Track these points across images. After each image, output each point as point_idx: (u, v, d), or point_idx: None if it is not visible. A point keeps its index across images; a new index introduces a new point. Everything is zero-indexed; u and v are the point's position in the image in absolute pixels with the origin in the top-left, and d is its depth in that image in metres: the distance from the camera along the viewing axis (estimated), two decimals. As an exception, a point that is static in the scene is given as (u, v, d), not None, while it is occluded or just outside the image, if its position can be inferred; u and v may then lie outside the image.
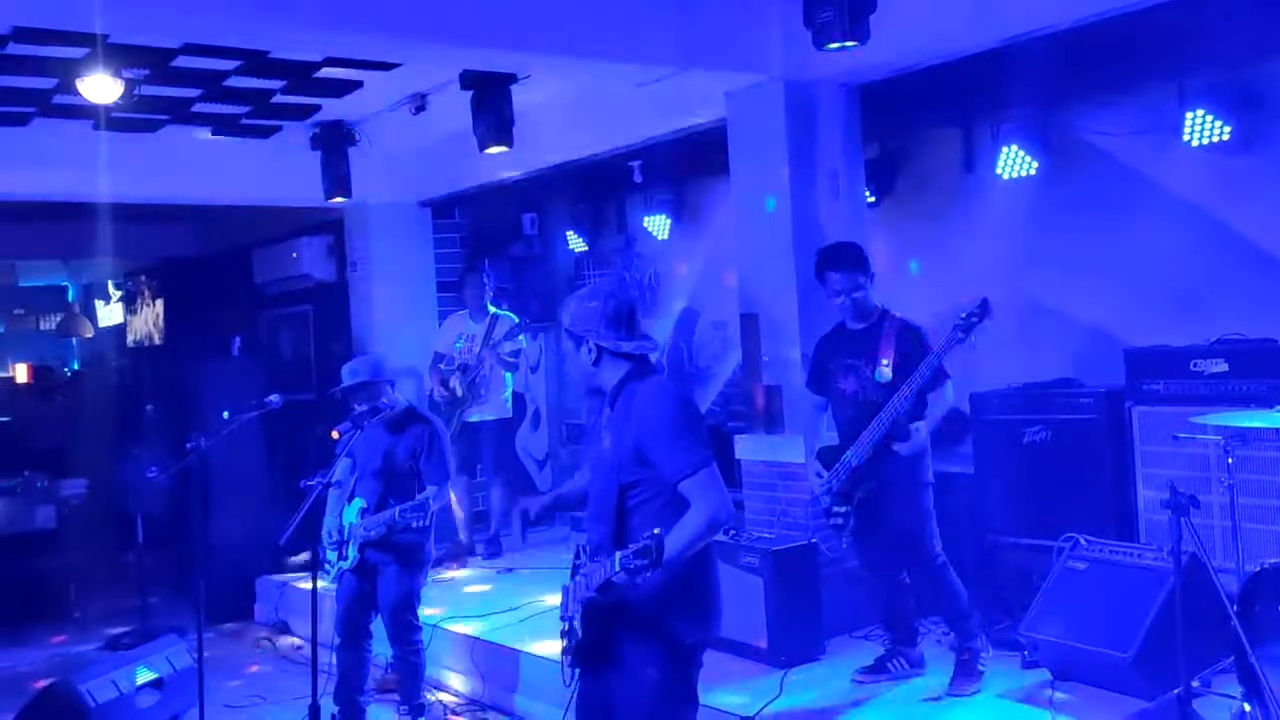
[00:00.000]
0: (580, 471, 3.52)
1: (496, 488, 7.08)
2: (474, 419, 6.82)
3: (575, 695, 3.09)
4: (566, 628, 3.02)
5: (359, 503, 4.66)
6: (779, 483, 5.18)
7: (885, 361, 4.15)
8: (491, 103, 5.60)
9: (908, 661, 4.40)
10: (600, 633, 2.93)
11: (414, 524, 4.45)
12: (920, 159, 6.11)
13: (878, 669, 4.37)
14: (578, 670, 3.03)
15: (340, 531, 4.63)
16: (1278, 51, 4.65)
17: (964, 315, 3.99)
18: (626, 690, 2.95)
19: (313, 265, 8.50)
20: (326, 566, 4.75)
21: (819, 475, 4.32)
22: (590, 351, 3.04)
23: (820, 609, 4.74)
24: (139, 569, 6.80)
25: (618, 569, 2.72)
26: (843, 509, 4.26)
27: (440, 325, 7.40)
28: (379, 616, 4.72)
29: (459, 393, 6.75)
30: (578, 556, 3.09)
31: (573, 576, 3.08)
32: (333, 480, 4.09)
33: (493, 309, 7.00)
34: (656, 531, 2.68)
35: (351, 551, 4.60)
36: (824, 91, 5.18)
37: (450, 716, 5.00)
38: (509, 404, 7.05)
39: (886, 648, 4.46)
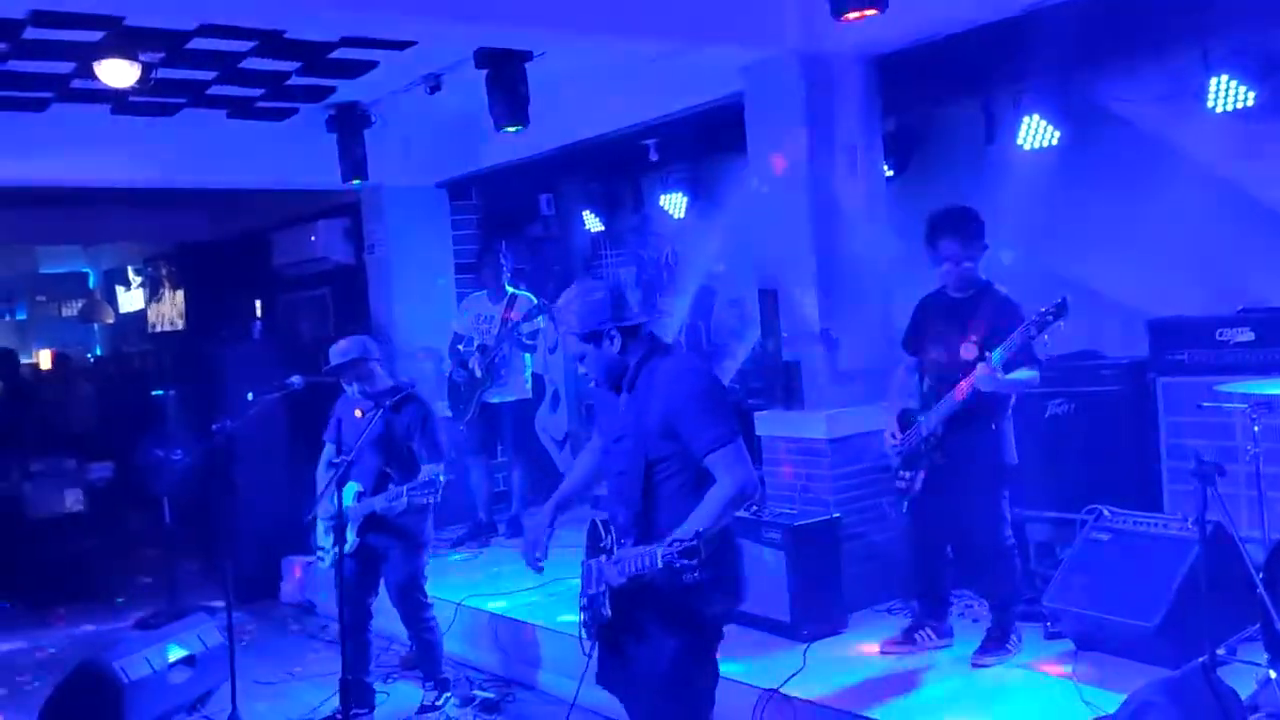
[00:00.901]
0: (571, 470, 3.57)
1: (517, 468, 7.10)
2: (494, 400, 6.83)
3: (594, 666, 3.14)
4: (586, 602, 3.09)
5: (355, 486, 4.64)
6: (799, 458, 5.17)
7: (974, 338, 4.13)
8: (506, 81, 5.57)
9: (936, 633, 4.41)
10: (627, 609, 2.98)
11: (425, 501, 4.45)
12: (939, 131, 6.05)
13: (906, 640, 4.39)
14: (596, 643, 3.07)
15: (337, 516, 4.63)
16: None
17: (1041, 311, 3.91)
18: (648, 662, 2.99)
19: (330, 248, 8.53)
20: (320, 553, 4.78)
21: (893, 436, 4.34)
22: (613, 340, 3.05)
23: (842, 583, 4.75)
24: (166, 550, 6.88)
25: (660, 564, 2.74)
26: (909, 473, 4.29)
27: (459, 306, 7.41)
28: (376, 598, 4.74)
29: (478, 374, 6.77)
30: (597, 534, 3.13)
31: (592, 555, 3.13)
32: (353, 459, 4.11)
33: (510, 289, 7.00)
34: (700, 530, 2.71)
35: (351, 535, 4.60)
36: (841, 64, 5.14)
37: (475, 692, 5.04)
38: (529, 385, 7.06)
39: (914, 619, 4.46)
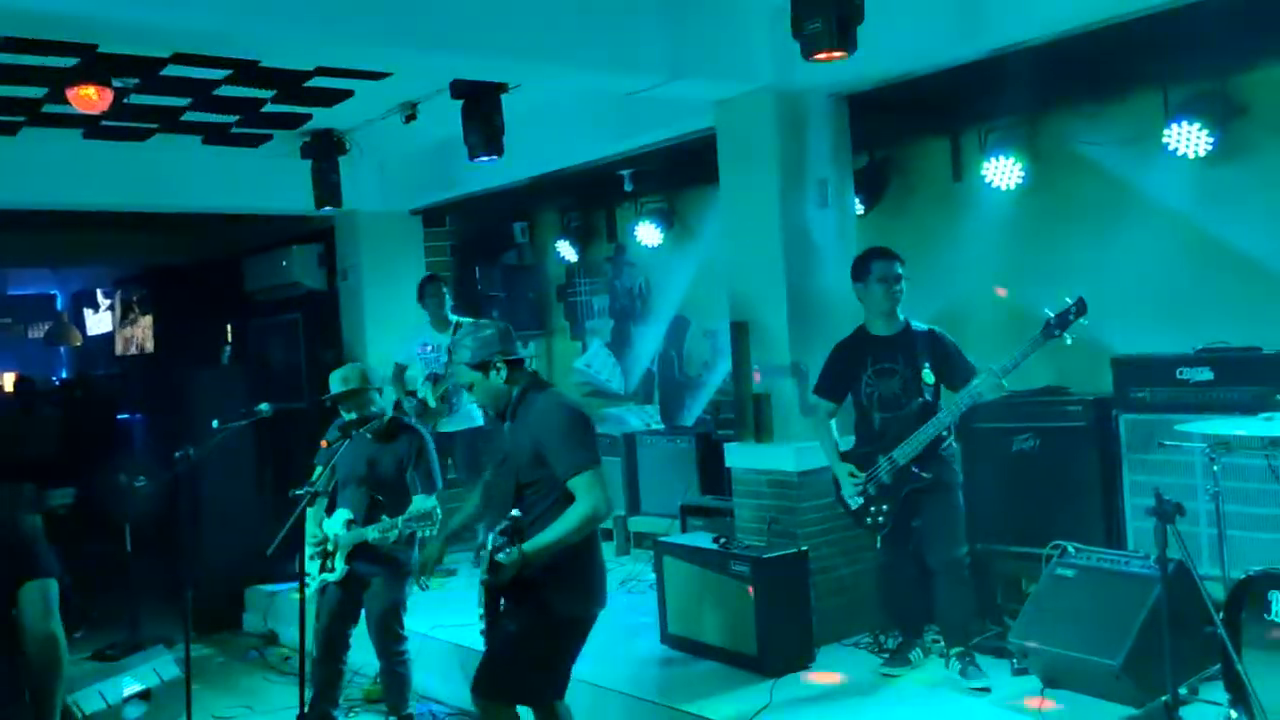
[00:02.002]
0: (465, 504, 4.06)
1: (473, 496, 6.96)
2: (448, 429, 6.76)
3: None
4: (482, 613, 3.48)
5: (344, 513, 4.63)
6: (767, 491, 5.18)
7: (928, 365, 4.31)
8: (482, 112, 5.61)
9: (923, 651, 4.50)
10: (495, 607, 3.40)
11: (421, 534, 4.44)
12: (909, 168, 6.14)
13: (899, 660, 4.47)
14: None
15: (324, 542, 4.61)
16: (1260, 62, 4.69)
17: (1059, 312, 4.02)
18: (498, 644, 3.42)
19: (303, 273, 8.49)
20: (307, 579, 4.73)
21: (853, 476, 4.40)
22: (499, 371, 3.51)
23: (810, 617, 4.75)
24: (127, 579, 6.77)
25: (490, 546, 3.24)
26: (884, 508, 4.36)
27: (402, 337, 7.21)
28: (355, 628, 4.71)
29: (432, 403, 6.69)
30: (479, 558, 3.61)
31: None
32: (318, 490, 4.08)
33: (454, 318, 6.88)
34: (515, 513, 3.25)
35: (339, 563, 4.59)
36: (813, 101, 5.20)
37: (440, 726, 4.98)
38: (478, 413, 6.96)
39: (903, 638, 4.55)
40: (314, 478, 4.33)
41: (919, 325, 4.50)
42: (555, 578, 3.36)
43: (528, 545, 3.27)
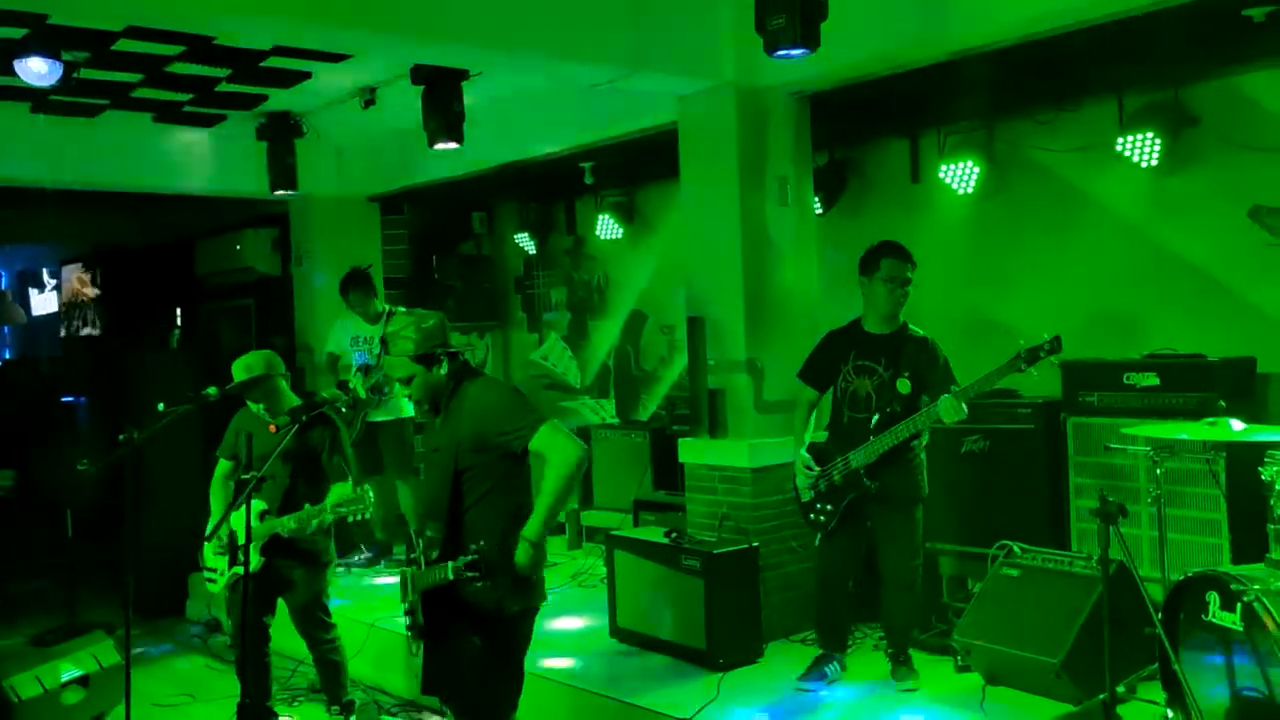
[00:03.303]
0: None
1: (404, 486, 6.89)
2: (378, 419, 6.66)
3: (422, 664, 3.51)
4: (408, 608, 3.48)
5: (259, 504, 4.49)
6: (720, 486, 5.19)
7: (908, 373, 4.20)
8: (442, 98, 5.56)
9: (841, 665, 4.44)
10: (438, 614, 3.38)
11: (353, 518, 4.36)
12: (868, 169, 6.18)
13: (817, 675, 4.38)
14: (422, 644, 3.47)
15: (232, 535, 4.49)
16: (1211, 74, 4.78)
17: (1032, 346, 3.92)
18: (456, 656, 3.37)
19: (256, 258, 8.37)
20: (210, 574, 4.63)
21: (809, 469, 4.35)
22: (441, 364, 3.43)
23: (759, 612, 4.77)
24: (67, 563, 6.63)
25: (450, 577, 3.22)
26: (828, 507, 4.31)
27: (334, 327, 7.03)
28: (272, 618, 4.63)
29: (362, 393, 6.61)
30: (412, 549, 3.52)
31: (408, 562, 3.56)
32: (265, 475, 4.00)
33: (386, 307, 6.75)
34: (482, 544, 3.18)
35: (254, 556, 4.46)
36: (775, 98, 5.22)
37: (383, 716, 4.93)
38: (407, 404, 6.85)
39: (822, 649, 4.49)
40: (266, 467, 4.25)
41: (915, 331, 4.33)
42: (501, 575, 3.29)
43: (528, 531, 3.25)
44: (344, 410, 6.44)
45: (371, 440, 6.66)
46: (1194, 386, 4.32)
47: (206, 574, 4.70)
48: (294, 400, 4.63)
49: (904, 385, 4.20)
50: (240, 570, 4.46)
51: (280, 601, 4.65)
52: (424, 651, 3.48)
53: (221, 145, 7.02)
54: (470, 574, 3.16)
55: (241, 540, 4.09)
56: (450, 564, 3.24)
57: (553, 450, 3.28)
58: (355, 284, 6.70)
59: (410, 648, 3.53)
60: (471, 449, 3.35)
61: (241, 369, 4.54)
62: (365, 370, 6.59)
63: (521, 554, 3.27)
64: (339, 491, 4.44)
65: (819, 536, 4.39)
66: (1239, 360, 4.45)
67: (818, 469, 4.34)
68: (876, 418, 4.21)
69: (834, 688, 4.35)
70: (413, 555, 3.51)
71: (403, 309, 6.62)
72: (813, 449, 4.40)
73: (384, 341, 3.44)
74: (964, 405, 4.00)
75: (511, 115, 6.45)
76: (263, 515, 4.47)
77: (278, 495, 4.48)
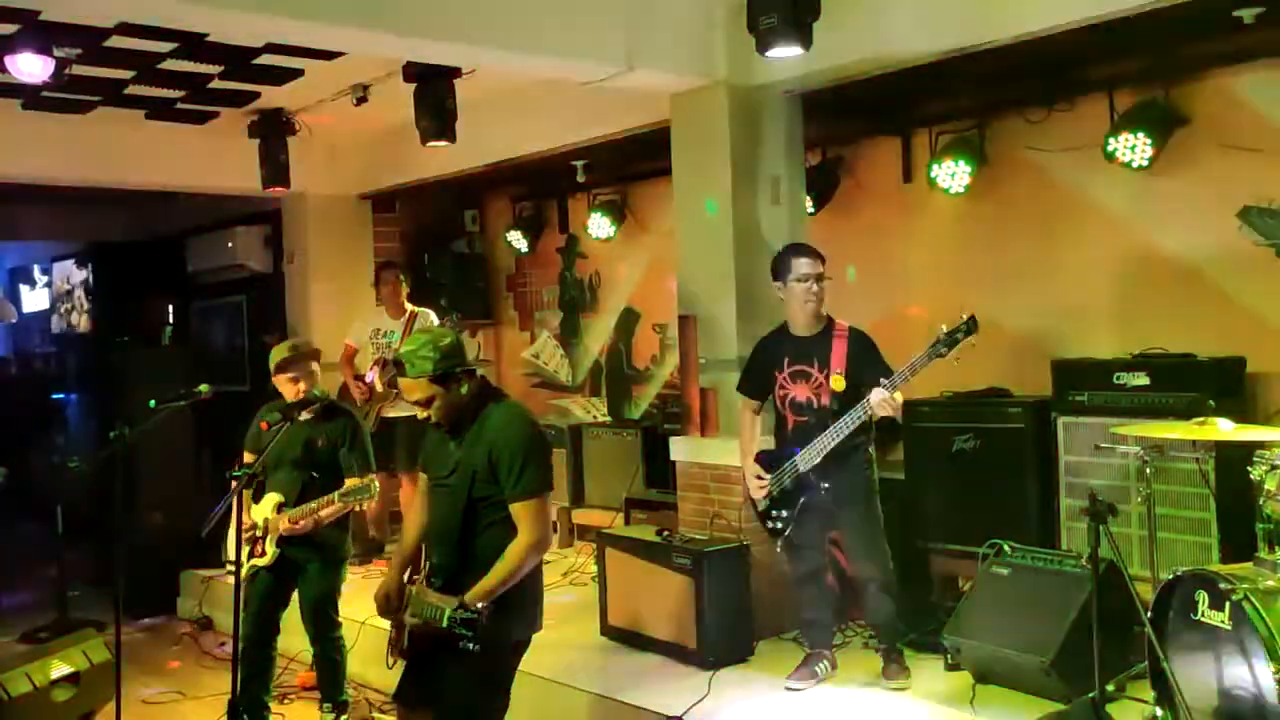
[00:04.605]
0: (406, 525, 3.77)
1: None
2: (391, 415, 6.70)
3: (401, 678, 3.46)
4: (398, 622, 3.40)
5: (274, 497, 4.54)
6: (711, 485, 5.20)
7: (840, 370, 4.16)
8: (434, 97, 5.56)
9: (831, 664, 4.45)
10: (428, 640, 3.26)
11: (360, 506, 4.42)
12: (860, 168, 6.19)
13: (807, 674, 4.38)
14: (403, 659, 3.40)
15: (253, 528, 4.53)
16: (1201, 73, 4.80)
17: (948, 330, 3.87)
18: (450, 683, 3.24)
19: (248, 255, 8.34)
20: (227, 564, 4.65)
21: (759, 479, 4.35)
22: (461, 383, 3.28)
23: (750, 610, 4.77)
24: (58, 560, 6.62)
25: (445, 624, 3.08)
26: (783, 513, 4.30)
27: (355, 320, 7.08)
28: (285, 612, 4.65)
29: (379, 388, 6.62)
30: (419, 571, 3.42)
31: (410, 581, 3.44)
32: (255, 472, 4.01)
33: (410, 306, 6.81)
34: (480, 607, 3.04)
35: (270, 547, 4.50)
36: (767, 97, 5.22)
37: (374, 714, 4.93)
38: None
39: (810, 649, 4.50)
40: (255, 463, 4.26)
41: (844, 327, 4.29)
42: (500, 604, 3.17)
43: (470, 595, 3.12)
44: (358, 404, 6.50)
45: (387, 437, 6.64)
46: (1184, 386, 4.33)
47: (227, 566, 4.70)
48: (322, 390, 4.68)
49: (838, 382, 4.16)
50: (261, 562, 4.50)
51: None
52: (405, 669, 3.41)
53: (214, 142, 7.00)
54: (464, 631, 3.02)
55: (250, 533, 4.12)
56: (447, 612, 3.08)
57: (523, 529, 3.19)
58: (387, 272, 6.81)
59: (387, 660, 3.48)
60: (486, 479, 3.23)
61: (286, 348, 4.65)
62: (382, 364, 6.60)
63: (465, 628, 3.07)
64: (355, 481, 4.49)
65: (779, 542, 4.37)
66: (1229, 360, 4.47)
67: (768, 476, 4.33)
68: (816, 418, 4.20)
69: (824, 686, 4.36)
70: (414, 576, 3.43)
71: (431, 313, 6.72)
72: (761, 458, 4.39)
73: (398, 364, 3.31)
74: (897, 395, 3.96)
75: (504, 113, 6.45)
76: (279, 507, 4.51)
77: (295, 488, 4.51)
